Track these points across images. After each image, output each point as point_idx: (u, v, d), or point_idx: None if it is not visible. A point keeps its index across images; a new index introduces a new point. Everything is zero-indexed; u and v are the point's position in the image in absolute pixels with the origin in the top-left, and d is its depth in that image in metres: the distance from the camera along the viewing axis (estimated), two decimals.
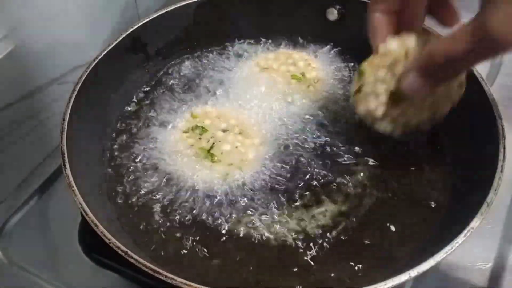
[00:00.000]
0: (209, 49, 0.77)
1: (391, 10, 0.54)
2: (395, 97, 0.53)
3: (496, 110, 0.58)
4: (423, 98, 0.53)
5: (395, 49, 0.52)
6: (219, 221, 0.57)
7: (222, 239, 0.56)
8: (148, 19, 0.70)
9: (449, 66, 0.47)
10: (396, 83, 0.52)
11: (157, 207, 0.58)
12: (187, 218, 0.57)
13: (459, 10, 0.53)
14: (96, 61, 0.64)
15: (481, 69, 0.61)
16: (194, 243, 0.55)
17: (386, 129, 0.56)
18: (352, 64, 0.73)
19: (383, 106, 0.53)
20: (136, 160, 0.63)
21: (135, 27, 0.69)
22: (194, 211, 0.58)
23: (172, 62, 0.76)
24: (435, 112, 0.55)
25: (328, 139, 0.64)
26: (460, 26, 0.44)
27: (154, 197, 0.59)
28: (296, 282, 0.52)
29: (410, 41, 0.52)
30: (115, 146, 0.65)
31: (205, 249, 0.55)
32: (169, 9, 0.72)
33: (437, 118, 0.56)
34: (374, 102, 0.54)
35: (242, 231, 0.56)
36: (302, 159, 0.62)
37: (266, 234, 0.56)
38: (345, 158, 0.62)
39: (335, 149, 0.63)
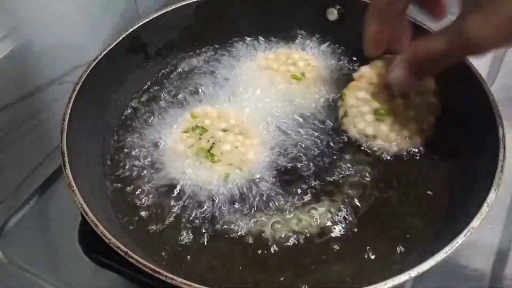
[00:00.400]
0: (209, 49, 0.77)
1: (387, 27, 0.59)
2: (379, 114, 0.60)
3: (496, 110, 0.58)
4: (403, 111, 0.60)
5: (367, 72, 0.61)
6: (218, 221, 0.57)
7: (221, 239, 0.56)
8: (148, 19, 0.70)
9: (431, 62, 0.52)
10: (376, 100, 0.60)
11: (157, 207, 0.58)
12: (186, 218, 0.57)
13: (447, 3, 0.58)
14: (96, 61, 0.64)
15: (481, 69, 0.62)
16: (194, 243, 0.55)
17: (383, 146, 0.61)
18: (352, 64, 0.73)
19: (371, 124, 0.61)
20: (136, 160, 0.63)
21: (135, 27, 0.69)
22: (194, 211, 0.58)
23: (172, 62, 0.75)
24: (421, 123, 0.61)
25: (328, 139, 0.64)
26: (442, 27, 0.50)
27: (154, 197, 0.59)
28: (296, 282, 0.52)
29: (379, 64, 0.61)
30: (115, 146, 0.65)
31: (205, 249, 0.55)
32: (169, 9, 0.72)
33: (427, 130, 0.61)
34: (362, 123, 0.61)
35: (241, 231, 0.56)
36: (302, 159, 0.62)
37: (266, 234, 0.56)
38: (345, 158, 0.62)
39: (335, 149, 0.63)
